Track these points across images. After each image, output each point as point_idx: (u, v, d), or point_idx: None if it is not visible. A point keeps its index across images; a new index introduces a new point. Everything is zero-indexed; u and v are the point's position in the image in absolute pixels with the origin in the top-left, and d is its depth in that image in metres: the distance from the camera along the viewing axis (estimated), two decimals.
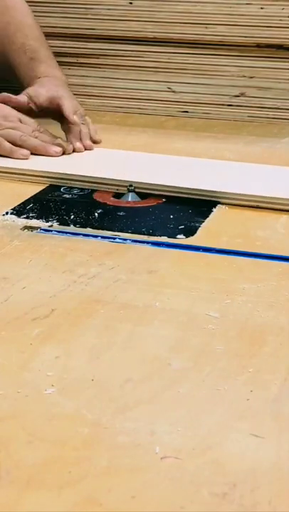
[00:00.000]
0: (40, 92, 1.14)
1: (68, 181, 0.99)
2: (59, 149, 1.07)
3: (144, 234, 0.84)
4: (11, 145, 1.05)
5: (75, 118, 1.12)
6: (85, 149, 1.11)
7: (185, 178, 0.97)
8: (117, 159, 1.08)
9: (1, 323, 0.64)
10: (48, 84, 1.16)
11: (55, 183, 0.99)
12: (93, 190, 0.98)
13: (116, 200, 0.95)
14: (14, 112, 1.10)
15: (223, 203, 0.92)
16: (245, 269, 0.75)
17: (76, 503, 0.44)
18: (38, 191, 0.97)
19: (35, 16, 1.46)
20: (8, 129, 1.07)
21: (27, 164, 1.03)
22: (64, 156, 1.08)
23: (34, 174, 1.01)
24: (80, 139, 1.11)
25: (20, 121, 1.09)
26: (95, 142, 1.13)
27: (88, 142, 1.12)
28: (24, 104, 1.12)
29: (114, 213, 0.90)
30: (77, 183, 0.99)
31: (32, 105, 1.13)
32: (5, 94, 1.13)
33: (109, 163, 1.07)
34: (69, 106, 1.12)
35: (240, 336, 0.63)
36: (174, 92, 1.41)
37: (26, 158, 1.04)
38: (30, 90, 1.15)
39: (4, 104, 1.11)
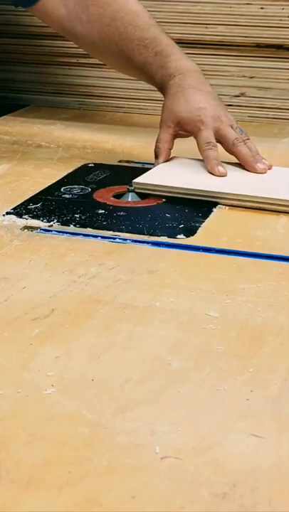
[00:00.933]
0: (179, 114, 1.02)
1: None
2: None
3: (144, 234, 0.84)
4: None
5: (203, 150, 0.99)
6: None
7: (186, 179, 0.97)
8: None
9: (1, 323, 0.64)
10: (187, 94, 1.02)
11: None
12: (93, 190, 0.98)
13: (116, 200, 0.95)
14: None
15: (223, 204, 0.92)
16: (245, 269, 0.75)
17: (76, 503, 0.44)
18: (38, 191, 0.97)
19: (35, 16, 1.46)
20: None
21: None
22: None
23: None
24: (256, 158, 1.00)
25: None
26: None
27: (266, 162, 1.01)
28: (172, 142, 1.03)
29: (114, 213, 0.90)
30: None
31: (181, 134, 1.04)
32: (161, 151, 1.03)
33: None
34: (206, 135, 0.99)
35: (240, 336, 0.63)
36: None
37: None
38: (169, 114, 1.03)
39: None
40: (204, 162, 1.00)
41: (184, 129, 1.03)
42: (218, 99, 1.06)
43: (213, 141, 1.00)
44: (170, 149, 1.04)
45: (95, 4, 1.13)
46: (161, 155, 1.03)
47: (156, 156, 1.04)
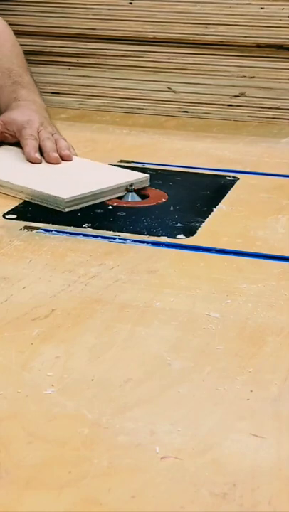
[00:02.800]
0: (14, 118, 1.12)
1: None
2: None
3: (144, 234, 0.84)
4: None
5: (24, 137, 1.08)
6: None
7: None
8: None
9: (1, 323, 0.64)
10: (24, 109, 1.14)
11: None
12: None
13: (116, 200, 0.95)
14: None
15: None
16: (245, 269, 0.75)
17: (76, 503, 0.44)
18: None
19: (35, 16, 1.46)
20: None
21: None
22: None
23: None
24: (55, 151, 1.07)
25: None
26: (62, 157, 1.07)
27: (66, 152, 1.07)
28: None
29: (114, 213, 0.90)
30: None
31: (7, 133, 1.12)
32: None
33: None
34: (29, 131, 1.09)
35: (240, 336, 0.63)
36: (174, 92, 1.41)
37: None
38: (4, 117, 1.13)
39: None
40: (23, 150, 1.06)
41: (10, 130, 1.10)
42: (50, 123, 1.14)
43: (35, 134, 1.08)
44: None
45: None
46: None
47: None
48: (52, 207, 0.91)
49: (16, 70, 1.23)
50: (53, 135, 1.09)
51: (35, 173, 1.00)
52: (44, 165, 1.03)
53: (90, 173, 1.01)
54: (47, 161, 1.04)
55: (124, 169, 1.04)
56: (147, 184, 0.99)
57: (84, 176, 1.00)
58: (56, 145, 1.07)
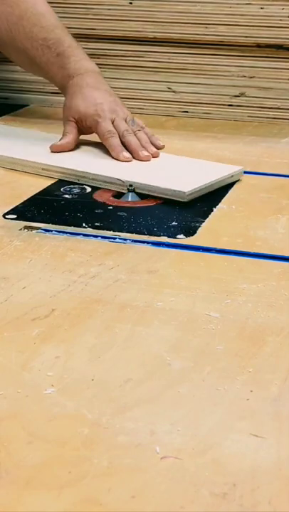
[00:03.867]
0: (80, 110, 1.09)
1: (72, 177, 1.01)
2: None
3: (144, 234, 0.84)
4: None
5: (104, 137, 1.05)
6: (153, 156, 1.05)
7: (94, 165, 1.01)
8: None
9: (1, 323, 0.64)
10: (84, 91, 1.09)
11: (63, 178, 1.01)
12: (93, 190, 0.98)
13: (116, 200, 0.95)
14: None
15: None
16: (245, 269, 0.75)
17: (76, 503, 0.44)
18: (38, 191, 0.97)
19: None
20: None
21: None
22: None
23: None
24: (142, 146, 1.06)
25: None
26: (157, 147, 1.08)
27: (153, 149, 1.06)
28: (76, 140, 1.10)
29: (114, 213, 0.90)
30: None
31: (82, 129, 1.10)
32: (59, 145, 1.08)
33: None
34: (105, 126, 1.06)
35: (240, 335, 0.63)
36: (174, 92, 1.41)
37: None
38: (70, 111, 1.10)
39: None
40: (109, 150, 1.05)
41: (83, 124, 1.09)
42: (116, 96, 1.12)
43: (113, 129, 1.05)
44: (75, 140, 1.09)
45: (3, 3, 1.17)
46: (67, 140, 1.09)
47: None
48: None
49: (52, 38, 1.14)
50: (127, 120, 1.07)
51: (135, 167, 1.02)
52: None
53: (189, 166, 1.03)
54: (136, 159, 1.03)
55: (210, 162, 1.06)
56: (239, 178, 1.01)
57: (186, 168, 1.02)
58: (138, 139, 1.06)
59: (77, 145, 1.09)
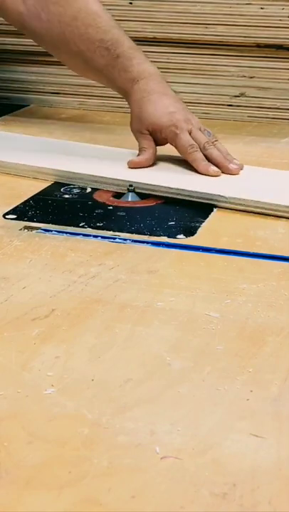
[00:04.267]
0: (154, 121, 1.02)
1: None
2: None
3: (144, 234, 0.84)
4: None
5: (187, 152, 1.00)
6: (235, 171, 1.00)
7: (184, 180, 0.97)
8: (118, 158, 1.07)
9: (1, 323, 0.64)
10: (153, 98, 1.03)
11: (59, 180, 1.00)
12: (93, 190, 0.98)
13: (116, 200, 0.95)
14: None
15: (219, 207, 0.92)
16: (245, 269, 0.75)
17: (76, 503, 0.44)
18: (38, 191, 0.97)
19: None
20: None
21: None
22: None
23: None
24: (227, 160, 1.01)
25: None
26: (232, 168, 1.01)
27: (237, 162, 1.01)
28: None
29: (114, 213, 0.90)
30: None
31: (158, 140, 1.04)
32: (137, 162, 1.03)
33: (111, 161, 1.05)
34: (185, 139, 1.00)
35: (240, 335, 0.63)
36: (173, 92, 1.41)
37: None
38: (143, 123, 1.03)
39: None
40: (193, 165, 1.00)
41: (158, 136, 1.03)
42: (182, 101, 1.07)
43: (194, 143, 1.00)
44: (154, 154, 1.03)
45: (55, 2, 1.11)
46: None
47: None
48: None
49: (110, 39, 1.07)
50: (201, 130, 1.02)
51: (225, 181, 0.98)
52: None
53: (275, 178, 1.01)
54: (224, 172, 0.99)
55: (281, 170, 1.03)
56: None
57: (275, 180, 1.00)
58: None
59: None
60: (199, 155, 1.00)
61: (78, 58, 1.12)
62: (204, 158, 1.00)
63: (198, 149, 1.00)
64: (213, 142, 1.02)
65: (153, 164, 1.03)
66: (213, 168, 0.98)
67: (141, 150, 1.03)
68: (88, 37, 1.08)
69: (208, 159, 1.00)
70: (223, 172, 0.99)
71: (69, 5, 1.10)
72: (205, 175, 0.98)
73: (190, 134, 1.01)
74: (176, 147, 1.01)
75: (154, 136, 1.03)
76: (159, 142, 1.04)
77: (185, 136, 1.00)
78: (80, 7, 1.10)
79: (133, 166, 1.01)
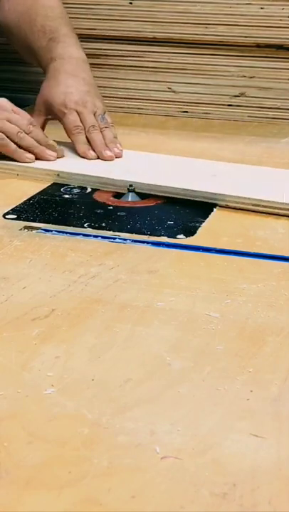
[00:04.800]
0: (50, 97, 1.08)
1: (71, 180, 1.00)
2: (54, 154, 1.03)
3: (144, 234, 0.84)
4: (16, 146, 1.01)
5: (72, 134, 1.05)
6: (116, 157, 1.04)
7: (184, 180, 0.97)
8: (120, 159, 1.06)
9: (1, 323, 0.64)
10: (59, 76, 1.08)
11: (59, 182, 1.00)
12: (93, 190, 0.98)
13: (116, 200, 0.95)
14: (8, 103, 1.04)
15: (220, 206, 0.92)
16: (245, 269, 0.75)
17: (76, 503, 0.44)
18: (38, 191, 0.97)
19: None
20: (4, 121, 1.01)
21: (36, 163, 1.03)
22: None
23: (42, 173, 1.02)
24: (106, 146, 1.05)
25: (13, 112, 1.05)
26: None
27: (116, 150, 1.05)
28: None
29: (114, 213, 0.90)
30: (78, 181, 0.99)
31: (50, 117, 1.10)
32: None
33: (111, 162, 1.05)
34: (71, 119, 1.05)
35: (240, 335, 0.63)
36: (174, 92, 1.41)
37: (31, 162, 1.01)
38: (41, 96, 1.09)
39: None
40: (75, 146, 1.04)
41: (51, 113, 1.07)
42: (93, 86, 1.10)
43: (81, 125, 1.04)
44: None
45: None
46: None
47: None
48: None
49: (50, 25, 1.15)
50: (96, 115, 1.05)
51: (222, 180, 0.98)
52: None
53: (270, 176, 1.01)
54: (99, 157, 1.03)
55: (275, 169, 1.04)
56: None
57: (273, 178, 1.00)
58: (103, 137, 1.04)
59: None
60: (81, 137, 1.04)
61: (24, 42, 1.19)
62: (85, 140, 1.04)
63: (83, 132, 1.04)
64: (102, 128, 1.05)
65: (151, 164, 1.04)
66: (91, 152, 1.03)
67: None
68: (35, 23, 1.16)
69: (90, 143, 1.04)
70: (98, 157, 1.03)
71: None
72: (84, 158, 1.03)
73: (80, 115, 1.05)
74: (63, 126, 1.05)
75: (49, 113, 1.08)
76: (51, 119, 1.09)
77: (72, 116, 1.05)
78: (38, 0, 1.19)
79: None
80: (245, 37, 1.36)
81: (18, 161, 1.02)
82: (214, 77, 1.39)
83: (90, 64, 1.46)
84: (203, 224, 0.87)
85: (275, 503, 0.44)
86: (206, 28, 1.37)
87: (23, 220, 0.87)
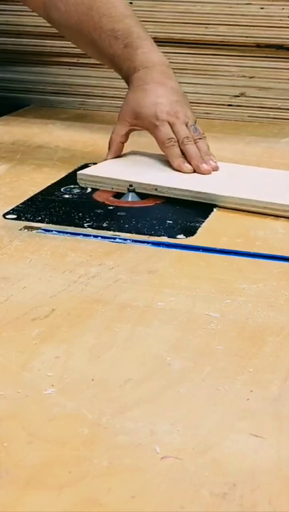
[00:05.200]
0: (138, 111, 1.02)
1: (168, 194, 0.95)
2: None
3: (144, 234, 0.84)
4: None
5: (166, 147, 0.99)
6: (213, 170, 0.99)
7: (185, 180, 0.97)
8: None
9: (1, 323, 0.64)
10: (146, 87, 1.02)
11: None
12: (93, 190, 0.98)
13: (116, 200, 0.95)
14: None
15: (220, 207, 0.92)
16: (245, 269, 0.75)
17: (76, 503, 0.44)
18: (38, 191, 0.97)
19: (35, 16, 1.46)
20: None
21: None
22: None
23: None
24: (202, 158, 0.99)
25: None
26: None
27: (211, 162, 1.00)
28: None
29: (114, 213, 0.90)
30: (176, 195, 0.94)
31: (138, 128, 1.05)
32: (112, 144, 1.05)
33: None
34: (164, 132, 0.99)
35: (240, 335, 0.63)
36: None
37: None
38: (127, 111, 1.04)
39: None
40: (169, 160, 1.00)
41: (140, 124, 1.03)
42: (182, 95, 1.05)
43: (174, 137, 0.99)
44: (123, 143, 1.05)
45: None
46: (112, 148, 1.05)
47: (108, 148, 1.06)
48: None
49: (120, 28, 1.07)
50: (188, 125, 1.00)
51: (227, 181, 0.96)
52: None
53: (273, 177, 0.99)
54: (195, 171, 0.98)
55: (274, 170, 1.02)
56: None
57: (274, 180, 0.98)
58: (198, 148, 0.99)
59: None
60: (175, 150, 0.99)
61: (93, 47, 1.12)
62: (180, 153, 0.99)
63: (176, 144, 0.99)
64: (195, 139, 1.01)
65: (155, 164, 1.03)
66: (187, 166, 0.98)
67: (111, 136, 1.05)
68: (101, 26, 1.08)
69: (185, 155, 0.99)
70: (195, 170, 0.99)
71: None
72: (178, 171, 0.98)
73: (172, 127, 1.00)
74: (155, 139, 1.01)
75: (137, 125, 1.04)
76: (136, 130, 1.05)
77: (165, 128, 0.99)
78: None
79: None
80: (246, 37, 1.36)
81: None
82: (214, 77, 1.39)
83: (90, 64, 1.47)
84: (203, 224, 0.87)
85: (275, 503, 0.44)
86: (207, 28, 1.37)
87: (23, 220, 0.87)
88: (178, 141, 1.00)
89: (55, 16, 1.14)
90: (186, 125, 1.01)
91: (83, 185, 0.99)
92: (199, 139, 1.01)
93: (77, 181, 0.99)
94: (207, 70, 1.40)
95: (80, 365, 0.58)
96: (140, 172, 0.99)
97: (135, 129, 1.05)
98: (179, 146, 1.00)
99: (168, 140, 0.99)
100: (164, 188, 0.94)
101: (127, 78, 1.06)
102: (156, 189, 0.95)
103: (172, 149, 0.99)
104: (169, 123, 1.00)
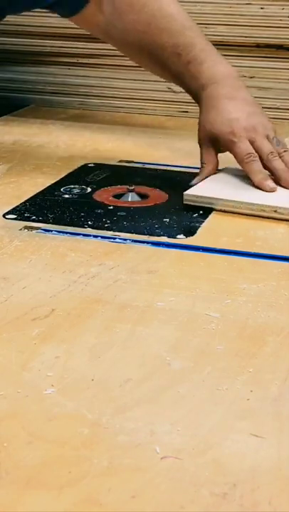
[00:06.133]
0: (214, 131, 0.96)
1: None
2: None
3: (144, 234, 0.84)
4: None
5: (246, 163, 0.93)
6: None
7: (244, 192, 0.91)
8: None
9: (1, 323, 0.64)
10: (218, 104, 0.96)
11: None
12: (93, 190, 0.98)
13: (116, 200, 0.95)
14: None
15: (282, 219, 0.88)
16: (245, 269, 0.75)
17: (76, 503, 0.44)
18: (38, 191, 0.97)
19: (35, 16, 1.46)
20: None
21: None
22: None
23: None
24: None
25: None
26: None
27: None
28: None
29: (114, 213, 0.90)
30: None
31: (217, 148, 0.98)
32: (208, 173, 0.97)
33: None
34: (243, 148, 0.93)
35: (240, 336, 0.63)
36: (174, 92, 1.41)
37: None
38: (204, 130, 0.97)
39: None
40: (250, 176, 0.93)
41: (218, 145, 0.97)
42: (256, 104, 0.99)
43: (254, 152, 0.93)
44: (215, 170, 0.99)
45: (130, 11, 1.05)
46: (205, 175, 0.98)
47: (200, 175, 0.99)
48: None
49: (183, 43, 1.01)
50: (269, 139, 0.94)
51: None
52: None
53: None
54: (285, 187, 0.92)
55: None
56: None
57: None
58: (283, 161, 0.93)
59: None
60: (256, 165, 0.93)
61: (155, 64, 1.07)
62: (262, 169, 0.93)
63: (257, 159, 0.93)
64: (280, 153, 0.94)
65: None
66: (269, 184, 0.91)
67: (201, 165, 0.98)
68: (161, 43, 1.02)
69: (272, 172, 0.93)
70: (283, 186, 0.92)
71: (142, 11, 1.04)
72: (260, 189, 0.92)
73: (253, 143, 0.94)
74: (234, 157, 0.95)
75: (216, 145, 0.98)
76: (221, 151, 0.98)
77: (243, 144, 0.93)
78: (154, 11, 1.04)
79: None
80: (245, 37, 1.36)
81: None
82: None
83: (90, 64, 1.47)
84: (203, 224, 0.87)
85: (275, 503, 0.44)
86: (206, 27, 1.37)
87: (23, 220, 0.87)
88: (262, 159, 0.93)
89: (113, 36, 1.09)
90: (268, 138, 0.95)
91: (188, 203, 0.92)
92: (284, 151, 0.95)
93: (184, 202, 0.92)
94: None
95: (80, 365, 0.58)
96: (251, 192, 0.92)
97: (220, 151, 0.99)
98: (263, 163, 0.93)
99: (247, 155, 0.93)
100: (287, 210, 0.88)
101: (197, 97, 1.01)
102: (275, 211, 0.88)
103: (252, 165, 0.93)
104: (249, 140, 0.94)
